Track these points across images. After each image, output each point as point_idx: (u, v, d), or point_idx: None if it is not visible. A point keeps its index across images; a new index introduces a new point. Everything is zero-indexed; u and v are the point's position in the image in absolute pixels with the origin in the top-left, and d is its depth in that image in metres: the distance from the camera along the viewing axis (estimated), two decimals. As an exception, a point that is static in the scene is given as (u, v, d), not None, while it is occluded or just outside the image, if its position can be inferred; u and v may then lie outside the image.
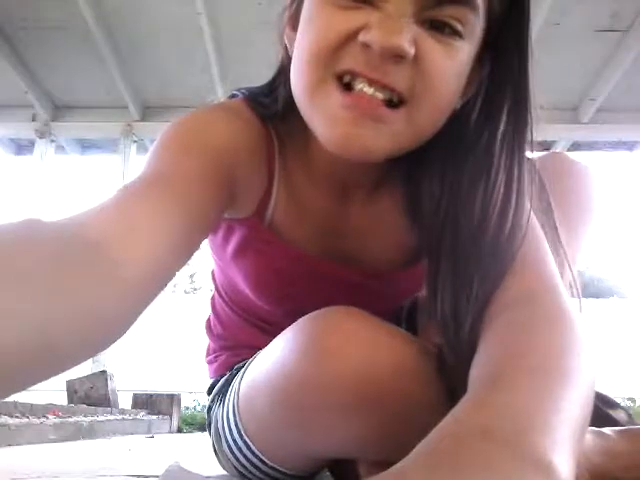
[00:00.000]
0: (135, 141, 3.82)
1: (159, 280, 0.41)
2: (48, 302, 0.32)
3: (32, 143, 4.03)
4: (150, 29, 3.14)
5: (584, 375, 0.35)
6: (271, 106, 0.58)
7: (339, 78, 0.47)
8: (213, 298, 0.79)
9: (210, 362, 0.79)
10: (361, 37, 0.45)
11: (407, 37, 0.45)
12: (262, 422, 0.57)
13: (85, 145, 4.22)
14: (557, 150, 3.55)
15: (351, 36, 0.46)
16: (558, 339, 0.37)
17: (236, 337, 0.74)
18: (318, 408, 0.49)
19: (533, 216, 0.51)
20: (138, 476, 0.87)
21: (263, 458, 0.62)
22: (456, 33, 0.48)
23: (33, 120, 3.87)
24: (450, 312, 0.47)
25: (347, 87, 0.47)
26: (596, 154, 3.86)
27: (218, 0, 2.96)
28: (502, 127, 0.51)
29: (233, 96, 0.62)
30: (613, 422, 0.86)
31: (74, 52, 3.30)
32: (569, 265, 0.60)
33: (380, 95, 0.46)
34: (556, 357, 0.35)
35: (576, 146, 3.74)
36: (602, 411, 0.88)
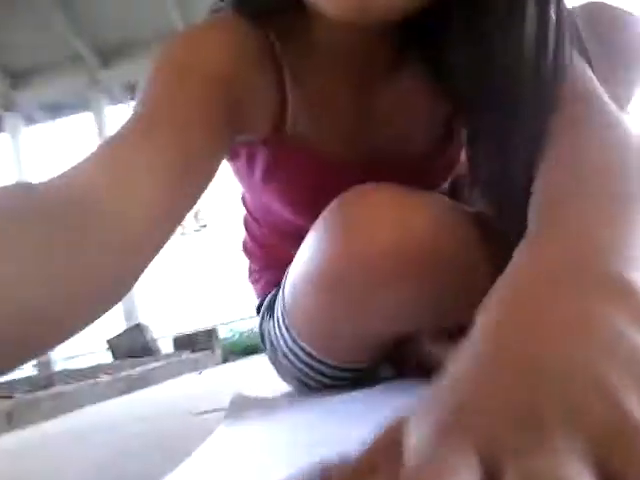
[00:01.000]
0: (103, 91, 3.69)
1: (159, 234, 0.40)
2: (45, 271, 0.31)
3: (0, 119, 3.91)
4: None
5: None
6: (263, 3, 0.54)
7: None
8: (246, 221, 0.76)
9: (254, 282, 0.78)
10: None
11: None
12: (312, 316, 0.57)
13: (54, 109, 4.09)
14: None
15: None
16: (620, 153, 0.35)
17: (276, 256, 0.73)
18: (363, 284, 0.49)
19: (579, 60, 0.47)
20: (205, 412, 0.88)
21: (320, 357, 0.62)
22: None
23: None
24: (498, 173, 0.45)
25: None
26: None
27: None
28: None
29: (216, 11, 0.57)
30: None
31: (19, 15, 3.12)
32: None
33: None
34: (621, 177, 0.32)
35: None
36: None
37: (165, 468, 0.41)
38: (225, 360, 3.17)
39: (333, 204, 0.51)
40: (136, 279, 0.38)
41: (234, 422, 0.62)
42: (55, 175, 0.37)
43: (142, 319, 3.22)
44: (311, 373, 0.66)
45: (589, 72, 0.47)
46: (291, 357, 0.66)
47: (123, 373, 2.13)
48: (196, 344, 3.23)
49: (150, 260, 0.39)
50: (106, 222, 0.35)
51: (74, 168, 0.37)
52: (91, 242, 0.34)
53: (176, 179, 0.41)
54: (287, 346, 0.65)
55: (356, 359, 0.62)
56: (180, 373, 2.63)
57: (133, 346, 2.97)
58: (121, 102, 3.91)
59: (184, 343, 3.25)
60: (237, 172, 0.63)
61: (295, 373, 0.68)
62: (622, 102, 0.61)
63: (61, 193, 0.35)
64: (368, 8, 0.43)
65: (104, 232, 0.35)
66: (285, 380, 0.73)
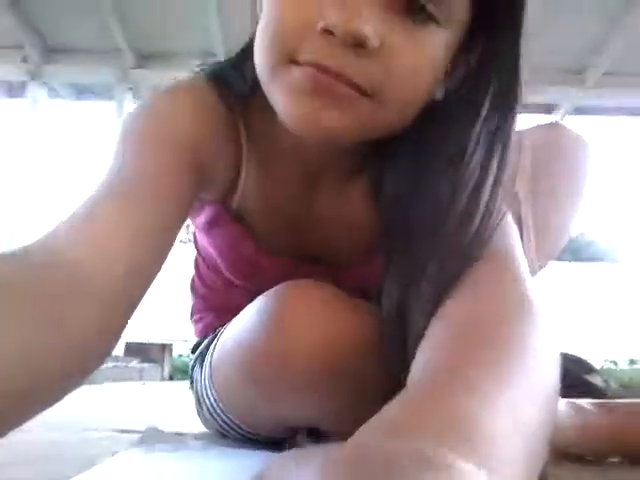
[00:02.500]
0: (130, 88, 3.74)
1: (138, 288, 0.42)
2: (29, 334, 0.31)
3: (24, 85, 3.94)
4: None
5: (544, 376, 0.31)
6: (237, 84, 0.55)
7: (297, 64, 0.44)
8: (196, 258, 0.78)
9: (195, 322, 0.79)
10: (321, 22, 0.41)
11: (370, 22, 0.41)
12: (232, 392, 0.58)
13: (80, 90, 4.13)
14: (559, 113, 3.50)
15: (312, 21, 0.42)
16: (516, 333, 0.34)
17: (219, 300, 0.74)
18: (278, 382, 0.50)
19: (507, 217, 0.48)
20: (122, 431, 0.88)
21: (240, 424, 0.64)
22: (431, 18, 0.43)
23: (23, 61, 3.77)
24: (395, 308, 0.45)
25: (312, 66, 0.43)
26: (599, 119, 3.80)
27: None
28: (484, 113, 0.47)
29: (200, 70, 0.59)
30: (588, 386, 0.88)
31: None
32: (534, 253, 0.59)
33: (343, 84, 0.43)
34: (511, 356, 0.31)
35: (579, 110, 3.67)
36: (578, 375, 0.89)
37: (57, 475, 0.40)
38: (171, 377, 3.12)
39: (265, 297, 0.51)
40: (117, 338, 0.39)
41: (141, 452, 0.62)
42: (36, 239, 0.38)
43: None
44: (231, 431, 0.66)
45: (514, 232, 0.47)
46: (214, 414, 0.66)
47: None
48: (147, 354, 3.18)
49: (129, 317, 0.41)
50: (86, 282, 0.36)
51: (54, 232, 0.38)
52: (72, 303, 0.34)
53: (149, 239, 0.43)
54: (210, 403, 0.65)
55: (273, 434, 0.63)
56: (123, 379, 2.59)
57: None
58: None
59: (135, 351, 3.20)
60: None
61: (216, 426, 0.69)
62: (564, 218, 0.65)
63: (40, 258, 0.36)
64: (310, 124, 0.43)
65: (84, 292, 0.36)
66: (207, 427, 0.74)
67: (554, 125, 0.73)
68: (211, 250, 0.65)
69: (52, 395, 0.34)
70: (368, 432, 0.24)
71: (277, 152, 0.57)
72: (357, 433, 0.24)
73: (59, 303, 0.34)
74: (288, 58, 0.43)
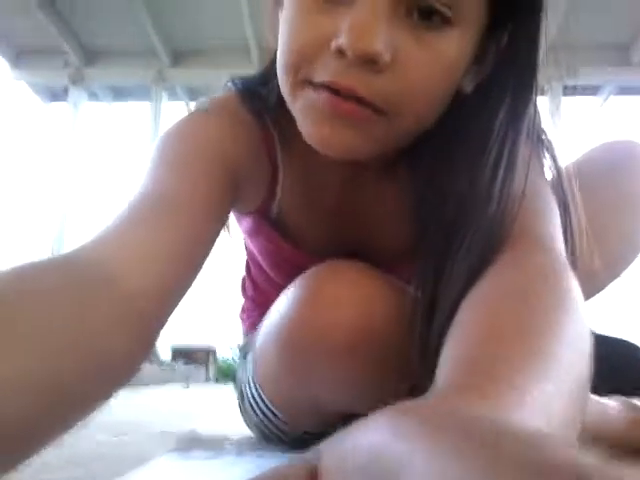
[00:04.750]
0: (166, 88, 3.77)
1: (171, 303, 0.42)
2: (59, 355, 0.31)
3: (66, 90, 4.01)
4: None
5: (576, 370, 0.31)
6: (268, 97, 0.56)
7: (315, 86, 0.43)
8: (247, 261, 0.78)
9: (242, 319, 0.80)
10: (333, 43, 0.41)
11: (380, 38, 0.41)
12: (273, 372, 0.58)
13: (117, 92, 4.18)
14: (603, 94, 3.29)
15: (324, 43, 0.42)
16: (550, 322, 0.33)
17: (266, 299, 0.73)
18: (316, 352, 0.51)
19: (544, 190, 0.49)
20: (162, 433, 0.88)
21: (281, 416, 0.64)
22: (446, 21, 0.43)
23: (65, 66, 3.84)
24: (428, 300, 0.46)
25: (327, 88, 0.42)
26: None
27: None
28: (503, 109, 0.47)
29: (232, 86, 0.59)
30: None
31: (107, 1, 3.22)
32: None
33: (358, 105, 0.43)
34: (544, 349, 0.31)
35: (625, 90, 3.44)
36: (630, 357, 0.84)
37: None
38: (217, 380, 3.09)
39: (304, 275, 0.54)
40: (148, 350, 0.40)
41: (177, 458, 0.61)
42: (77, 247, 0.39)
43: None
44: (270, 426, 0.67)
45: (554, 217, 0.48)
46: (254, 406, 0.67)
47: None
48: (193, 358, 3.18)
49: (160, 330, 0.41)
50: (120, 294, 0.37)
51: (92, 244, 0.39)
52: (105, 314, 0.35)
53: (183, 253, 0.44)
54: (252, 394, 0.67)
55: (311, 424, 0.63)
56: (169, 381, 2.60)
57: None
58: (180, 99, 4.02)
59: (181, 354, 3.20)
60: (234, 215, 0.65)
61: (257, 422, 0.69)
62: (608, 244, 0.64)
63: (79, 267, 0.37)
64: (329, 145, 0.45)
65: (118, 304, 0.36)
66: (248, 425, 0.73)
67: (628, 142, 0.72)
68: (256, 253, 0.67)
69: (75, 414, 0.34)
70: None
71: (312, 160, 0.55)
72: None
73: (89, 319, 0.34)
74: (304, 79, 0.44)
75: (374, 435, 0.20)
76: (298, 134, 0.55)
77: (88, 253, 0.39)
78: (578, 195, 0.55)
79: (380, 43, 0.41)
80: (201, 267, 0.47)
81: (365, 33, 0.41)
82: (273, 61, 0.56)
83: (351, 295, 0.51)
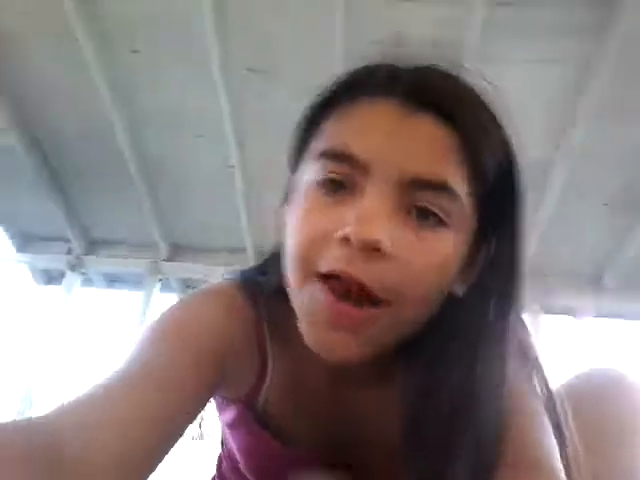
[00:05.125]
0: (160, 279, 3.89)
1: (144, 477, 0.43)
2: None
3: (61, 274, 4.15)
4: (187, 180, 3.33)
5: None
6: (266, 288, 0.59)
7: (323, 276, 0.48)
8: (219, 458, 0.76)
9: None
10: (339, 232, 0.46)
11: (383, 229, 0.46)
12: None
13: (112, 279, 4.32)
14: (580, 317, 3.47)
15: (330, 234, 0.47)
16: None
17: None
18: None
19: (538, 407, 0.50)
20: None
21: None
22: (441, 222, 0.48)
23: (68, 253, 4.00)
24: None
25: (329, 280, 0.47)
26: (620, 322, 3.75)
27: (249, 155, 3.15)
28: (491, 312, 0.51)
29: (231, 275, 0.65)
30: None
31: (114, 194, 3.49)
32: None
33: (358, 302, 0.46)
34: None
35: (600, 314, 3.63)
36: None
37: None
38: None
39: None
40: None
41: None
42: (39, 416, 0.39)
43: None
44: None
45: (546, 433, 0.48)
46: None
47: None
48: None
49: None
50: (74, 472, 0.37)
51: (56, 412, 0.40)
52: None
53: (150, 434, 0.43)
54: None
55: None
56: None
57: None
58: (173, 292, 4.10)
59: None
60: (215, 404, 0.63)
61: None
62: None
63: (35, 439, 0.37)
64: (327, 351, 0.47)
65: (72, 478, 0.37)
66: None
67: (609, 370, 0.72)
68: (234, 447, 0.65)
69: None
70: None
71: (302, 354, 0.57)
72: None
73: None
74: (312, 271, 0.47)
75: None
76: (290, 326, 0.56)
77: (48, 421, 0.39)
78: (570, 418, 0.55)
79: (383, 232, 0.45)
80: (171, 444, 0.46)
81: (369, 222, 0.45)
82: (272, 255, 0.59)
83: None
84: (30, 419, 0.40)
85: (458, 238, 0.50)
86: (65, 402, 0.41)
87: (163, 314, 0.54)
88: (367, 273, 0.46)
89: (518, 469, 0.43)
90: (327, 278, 0.48)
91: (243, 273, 0.63)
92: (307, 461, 0.59)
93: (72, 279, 4.09)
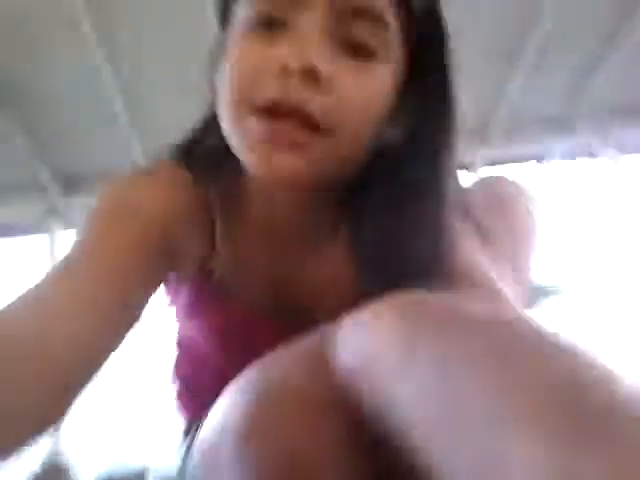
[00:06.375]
0: (60, 219, 3.67)
1: (88, 368, 0.41)
2: None
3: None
4: (55, 97, 3.04)
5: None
6: (204, 157, 0.57)
7: (261, 109, 0.47)
8: (177, 359, 0.73)
9: (180, 409, 0.74)
10: (276, 63, 0.46)
11: (321, 57, 0.46)
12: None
13: (8, 230, 4.03)
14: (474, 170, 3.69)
15: (266, 67, 0.47)
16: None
17: (198, 380, 0.70)
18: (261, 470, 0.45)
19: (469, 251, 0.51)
20: None
21: None
22: (372, 54, 0.48)
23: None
24: None
25: (270, 112, 0.47)
26: (507, 167, 4.03)
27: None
28: (426, 163, 0.52)
29: (162, 155, 0.61)
30: None
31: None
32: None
33: (297, 126, 0.46)
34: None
35: (489, 163, 3.88)
36: None
37: None
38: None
39: (243, 382, 0.46)
40: (62, 415, 0.38)
41: None
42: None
43: (65, 448, 2.93)
44: None
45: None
46: None
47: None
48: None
49: (75, 396, 0.39)
50: (31, 358, 0.36)
51: (10, 306, 0.39)
52: (15, 377, 0.35)
53: (105, 317, 0.43)
54: None
55: None
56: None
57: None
58: (78, 226, 3.89)
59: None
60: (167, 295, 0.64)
61: None
62: (521, 273, 0.63)
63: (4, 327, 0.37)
64: (271, 172, 0.47)
65: (29, 368, 0.36)
66: None
67: (494, 178, 0.76)
68: (199, 338, 0.63)
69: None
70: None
71: (250, 219, 0.58)
72: None
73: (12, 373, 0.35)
74: (249, 105, 0.47)
75: (380, 332, 0.21)
76: (235, 196, 0.55)
77: (10, 316, 0.38)
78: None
79: (321, 59, 0.45)
80: (124, 331, 0.45)
81: (307, 49, 0.45)
82: (204, 120, 0.57)
83: (282, 430, 0.42)
84: None
85: (389, 71, 0.50)
86: (16, 297, 0.40)
87: (101, 200, 0.52)
88: (305, 101, 0.46)
89: (459, 287, 0.46)
90: (265, 112, 0.47)
91: (176, 146, 0.60)
92: (268, 328, 0.59)
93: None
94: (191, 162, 0.57)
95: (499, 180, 0.74)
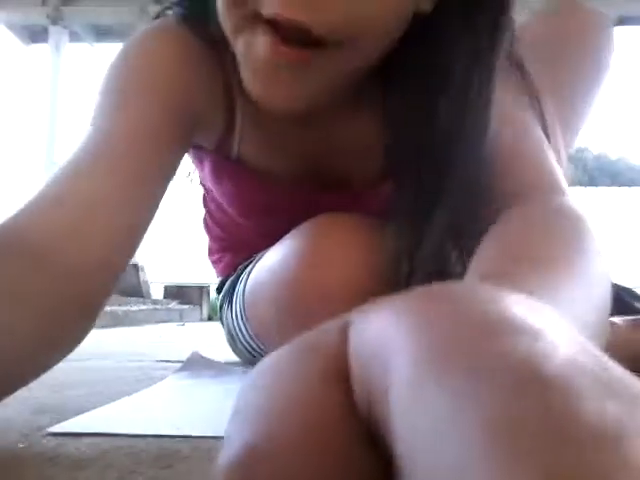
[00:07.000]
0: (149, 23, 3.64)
1: (125, 251, 0.43)
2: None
3: (45, 30, 3.89)
4: None
5: (601, 279, 0.31)
6: (213, 20, 0.50)
7: (264, 21, 0.41)
8: (204, 199, 0.75)
9: (214, 262, 0.79)
10: None
11: None
12: (268, 327, 0.57)
13: (100, 32, 4.05)
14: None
15: None
16: (570, 241, 0.33)
17: (236, 238, 0.72)
18: (317, 312, 0.49)
19: (524, 118, 0.48)
20: (166, 361, 0.87)
21: None
22: None
23: (43, 4, 3.70)
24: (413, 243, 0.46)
25: (271, 24, 0.41)
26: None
27: None
28: (471, 27, 0.45)
29: (169, 11, 0.55)
30: (636, 312, 0.84)
31: None
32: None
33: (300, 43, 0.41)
34: (570, 260, 0.30)
35: (622, 20, 3.43)
36: (626, 301, 0.85)
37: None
38: (210, 318, 3.16)
39: (299, 230, 0.52)
40: (102, 305, 0.40)
41: (186, 376, 0.64)
42: (13, 214, 0.38)
43: (139, 259, 3.18)
44: None
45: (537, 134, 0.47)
46: (249, 349, 0.67)
47: (109, 308, 2.11)
48: (186, 296, 3.22)
49: (113, 282, 0.41)
50: (66, 252, 0.37)
51: (31, 206, 0.38)
52: (51, 273, 0.35)
53: (135, 196, 0.43)
54: (245, 339, 0.66)
55: None
56: (164, 320, 2.63)
57: (125, 284, 2.96)
58: None
59: (174, 293, 3.24)
60: (191, 158, 0.63)
61: (254, 361, 0.68)
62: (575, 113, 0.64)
63: (18, 245, 0.36)
64: (271, 100, 0.44)
65: (64, 263, 0.36)
66: (244, 361, 0.75)
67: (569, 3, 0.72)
68: (224, 202, 0.64)
69: (23, 378, 0.35)
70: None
71: None
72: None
73: (30, 297, 0.35)
74: (252, 13, 0.42)
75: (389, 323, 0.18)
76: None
77: (26, 224, 0.38)
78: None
79: None
80: (157, 204, 0.45)
81: None
82: None
83: (346, 250, 0.49)
84: (5, 224, 0.38)
85: None
86: (32, 205, 0.39)
87: (116, 65, 0.49)
88: (309, 14, 0.40)
89: (517, 197, 0.41)
90: (267, 23, 0.41)
91: (180, 6, 0.53)
92: (290, 195, 0.58)
93: (57, 34, 3.85)
94: (202, 25, 0.51)
95: (572, 11, 0.68)
